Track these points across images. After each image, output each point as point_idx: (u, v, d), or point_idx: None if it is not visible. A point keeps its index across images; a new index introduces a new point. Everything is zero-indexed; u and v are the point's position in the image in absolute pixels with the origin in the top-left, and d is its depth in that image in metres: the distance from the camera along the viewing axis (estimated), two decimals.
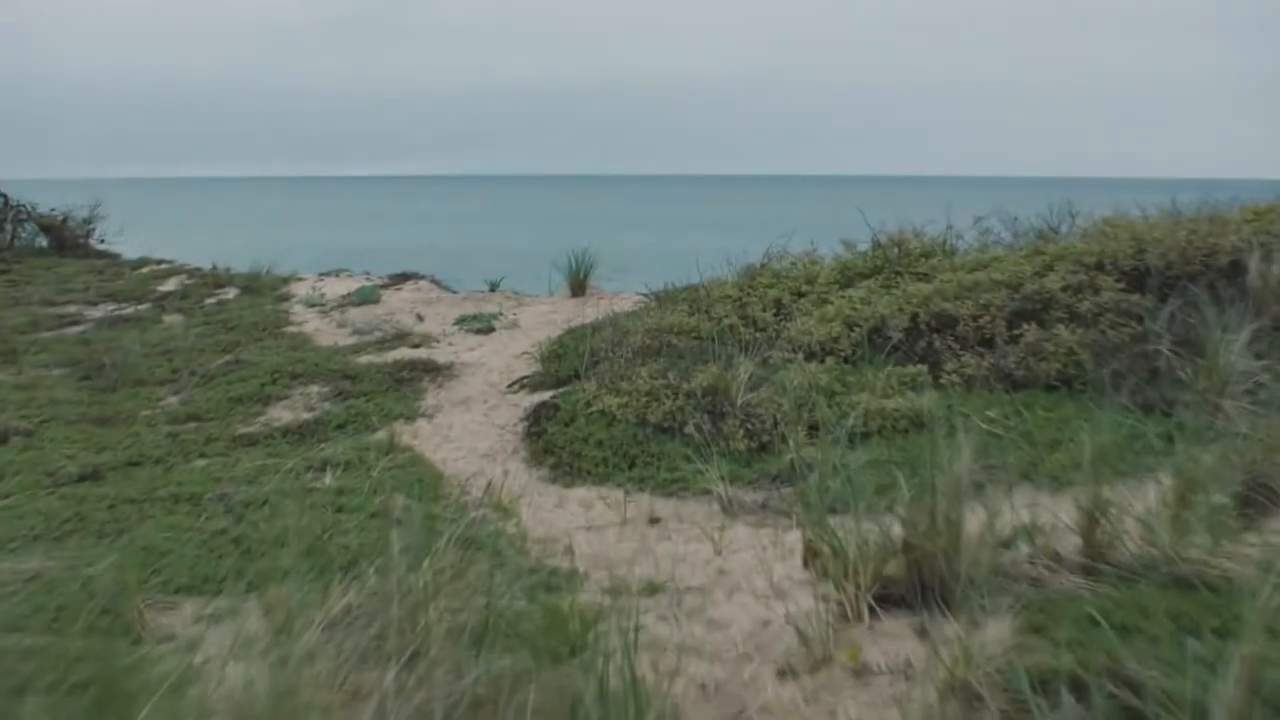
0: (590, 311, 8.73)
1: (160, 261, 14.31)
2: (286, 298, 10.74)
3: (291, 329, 9.15)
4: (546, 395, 6.26)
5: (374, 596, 2.27)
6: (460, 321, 8.73)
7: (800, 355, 5.81)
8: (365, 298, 9.91)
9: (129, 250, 16.43)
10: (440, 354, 7.72)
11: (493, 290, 10.45)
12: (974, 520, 2.91)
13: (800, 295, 6.84)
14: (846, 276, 7.01)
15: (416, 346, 7.94)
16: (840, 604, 2.89)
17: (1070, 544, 3.07)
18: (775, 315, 6.65)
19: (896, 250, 6.96)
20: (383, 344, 8.07)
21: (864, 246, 7.37)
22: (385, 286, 10.91)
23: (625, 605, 2.53)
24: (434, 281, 11.20)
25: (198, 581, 3.71)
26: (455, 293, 10.70)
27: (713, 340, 6.16)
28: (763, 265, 7.42)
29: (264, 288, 11.26)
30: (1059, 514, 3.16)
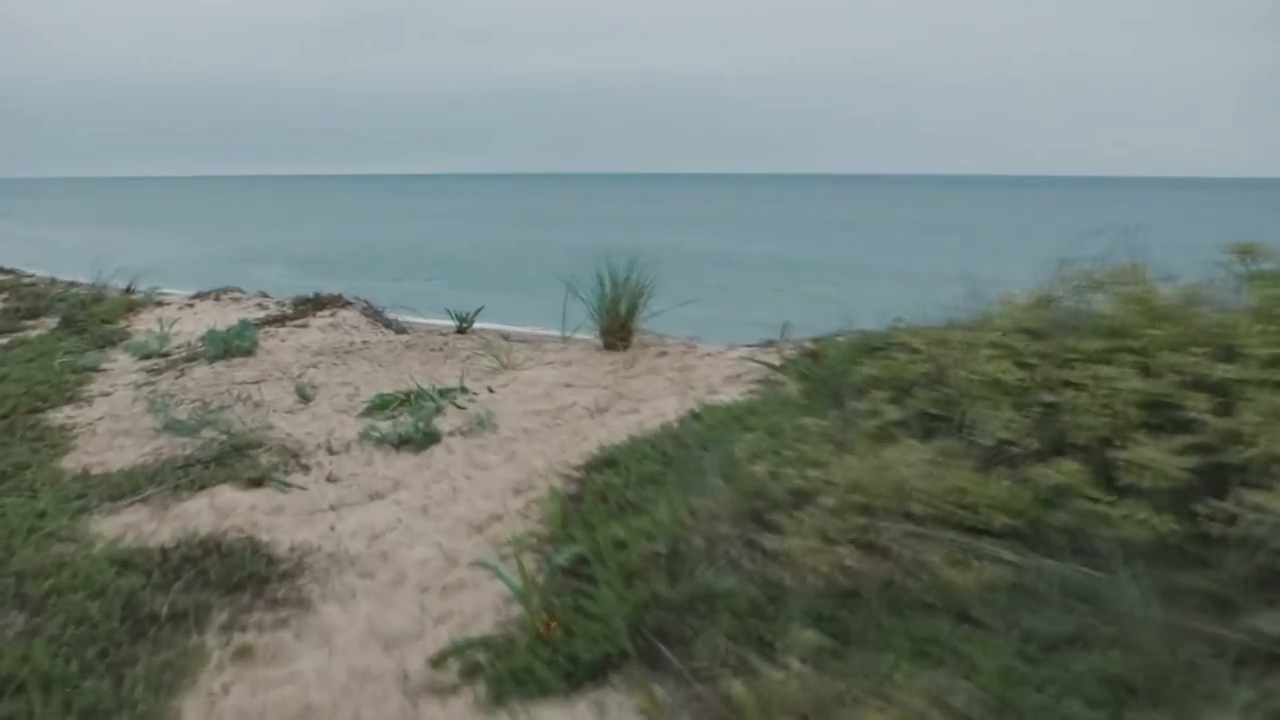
0: (642, 387, 4.29)
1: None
2: (115, 339, 6.35)
3: (63, 413, 4.73)
4: None
5: None
6: (377, 408, 4.29)
7: None
8: (225, 346, 5.47)
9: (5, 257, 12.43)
10: (295, 512, 3.26)
11: (461, 331, 5.99)
12: None
13: (1245, 384, 2.35)
14: None
15: (255, 484, 3.48)
16: None
17: None
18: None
19: None
20: (191, 470, 3.62)
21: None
22: (283, 320, 6.47)
23: None
24: (367, 310, 6.74)
25: None
26: (401, 333, 6.22)
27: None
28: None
29: (94, 319, 6.89)
30: None
